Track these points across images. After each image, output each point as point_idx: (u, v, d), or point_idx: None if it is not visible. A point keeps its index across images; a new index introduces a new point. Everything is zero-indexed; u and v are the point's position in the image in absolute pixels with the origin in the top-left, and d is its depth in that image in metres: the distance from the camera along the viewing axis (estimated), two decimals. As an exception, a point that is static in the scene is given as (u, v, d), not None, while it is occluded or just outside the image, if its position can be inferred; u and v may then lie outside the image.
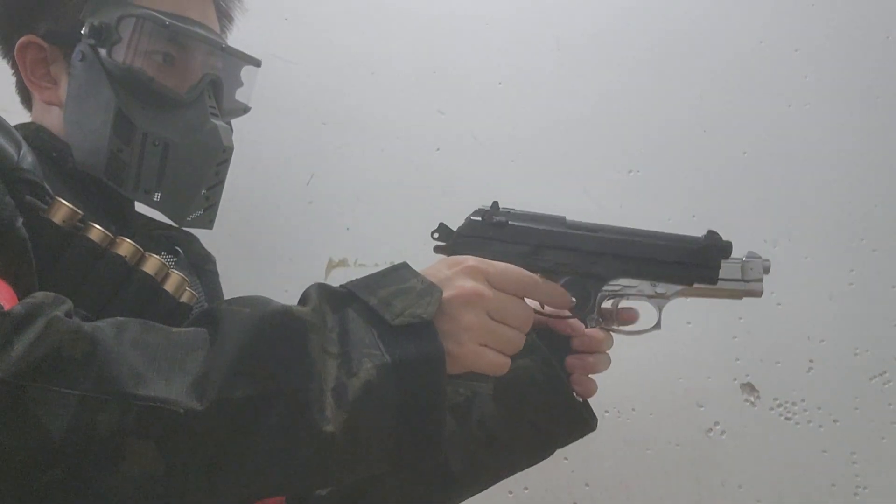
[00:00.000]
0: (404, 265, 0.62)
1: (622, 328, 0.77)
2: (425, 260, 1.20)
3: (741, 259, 0.76)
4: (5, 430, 0.44)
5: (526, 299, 0.66)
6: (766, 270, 0.76)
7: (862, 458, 1.16)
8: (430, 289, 0.58)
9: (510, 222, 0.71)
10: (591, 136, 1.26)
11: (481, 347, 0.60)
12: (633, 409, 1.19)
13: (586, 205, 1.24)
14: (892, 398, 1.18)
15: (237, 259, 1.22)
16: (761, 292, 0.75)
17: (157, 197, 0.75)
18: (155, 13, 0.74)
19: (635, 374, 1.18)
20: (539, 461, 0.81)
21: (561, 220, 0.73)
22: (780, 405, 1.19)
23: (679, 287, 0.74)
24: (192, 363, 0.50)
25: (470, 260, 0.63)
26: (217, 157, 0.78)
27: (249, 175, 1.24)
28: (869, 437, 1.17)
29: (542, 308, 0.74)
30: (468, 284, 0.60)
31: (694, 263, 0.73)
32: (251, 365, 0.51)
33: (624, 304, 0.77)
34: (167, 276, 0.69)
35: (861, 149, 1.23)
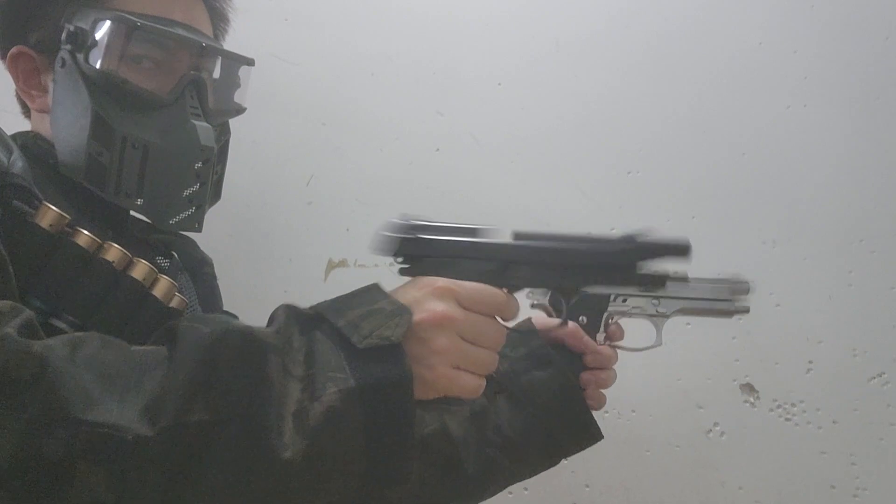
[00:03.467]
0: (375, 286, 0.60)
1: (626, 346, 0.83)
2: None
3: (727, 280, 0.82)
4: None
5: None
6: (747, 291, 0.82)
7: (861, 459, 1.17)
8: (399, 310, 0.57)
9: (428, 237, 0.68)
10: (591, 137, 1.26)
11: (454, 371, 0.58)
12: (633, 411, 1.19)
13: (585, 205, 1.24)
14: (892, 399, 1.18)
15: (237, 260, 1.22)
16: (748, 309, 0.82)
17: (139, 201, 0.74)
18: (127, 15, 0.73)
19: (635, 375, 1.18)
20: (548, 468, 0.83)
21: (478, 231, 0.70)
22: (779, 406, 1.19)
23: (677, 307, 0.81)
24: (148, 384, 0.49)
25: (439, 281, 0.60)
26: (195, 157, 0.77)
27: (249, 175, 1.24)
28: (868, 438, 1.17)
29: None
30: (439, 307, 0.58)
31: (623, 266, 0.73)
32: (206, 387, 0.49)
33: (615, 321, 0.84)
34: (156, 281, 0.68)
35: (860, 150, 1.23)
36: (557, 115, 1.26)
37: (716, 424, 1.19)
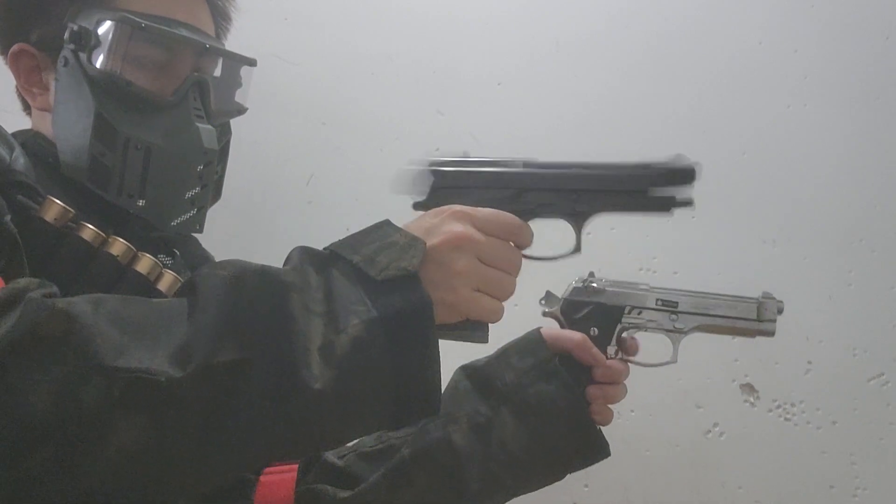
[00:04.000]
0: (387, 222, 0.61)
1: (639, 360, 0.80)
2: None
3: (757, 299, 0.78)
4: None
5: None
6: (780, 311, 0.78)
7: (861, 458, 1.17)
8: (413, 241, 0.57)
9: (441, 169, 0.71)
10: (590, 137, 1.26)
11: (475, 293, 0.59)
12: (632, 411, 1.19)
13: (586, 205, 1.24)
14: (891, 399, 1.18)
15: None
16: (773, 332, 0.78)
17: (141, 202, 0.74)
18: (132, 16, 0.73)
19: (635, 374, 1.18)
20: (552, 483, 0.81)
21: (489, 161, 0.73)
22: (779, 406, 1.19)
23: (695, 323, 0.78)
24: (173, 332, 0.50)
25: (455, 206, 0.62)
26: (198, 159, 0.77)
27: (249, 175, 1.23)
28: (868, 438, 1.17)
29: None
30: (456, 229, 0.59)
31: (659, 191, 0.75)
32: (231, 328, 0.50)
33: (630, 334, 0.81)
34: (160, 275, 0.68)
35: (860, 149, 1.23)
36: (557, 115, 1.26)
37: (716, 424, 1.19)
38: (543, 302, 0.80)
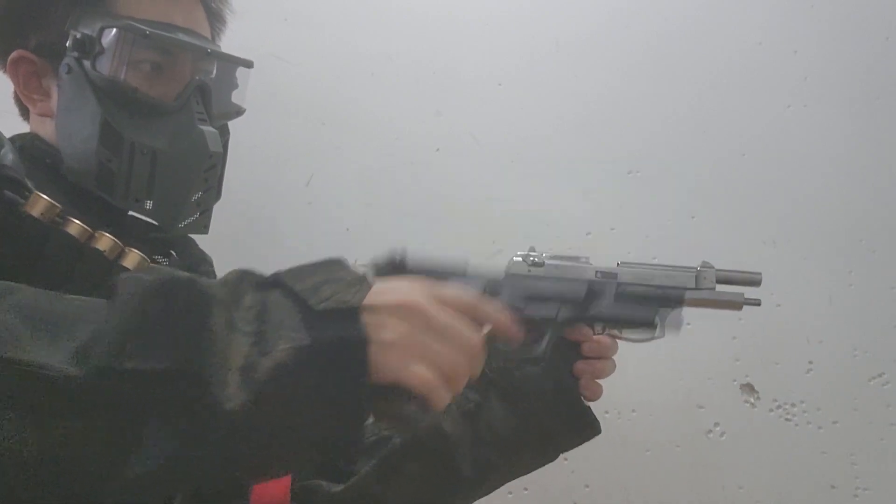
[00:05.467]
0: (337, 259, 0.58)
1: (627, 335, 0.78)
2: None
3: (695, 268, 0.78)
4: None
5: None
6: (758, 283, 0.77)
7: (861, 458, 1.17)
8: (359, 281, 0.55)
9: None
10: (590, 137, 1.26)
11: (409, 358, 0.53)
12: (633, 411, 1.19)
13: (585, 205, 1.24)
14: (891, 399, 1.18)
15: (236, 260, 1.21)
16: (759, 301, 0.78)
17: (148, 205, 0.75)
18: (136, 23, 0.74)
19: (635, 375, 1.18)
20: (545, 464, 0.81)
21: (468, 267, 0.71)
22: (779, 406, 1.19)
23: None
24: (82, 329, 0.48)
25: (412, 278, 0.59)
26: (204, 162, 0.78)
27: (249, 175, 1.23)
28: (868, 438, 1.17)
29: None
30: (410, 295, 0.55)
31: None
32: (140, 334, 0.48)
33: None
34: None
35: (860, 150, 1.23)
36: (557, 115, 1.26)
37: (716, 424, 1.19)
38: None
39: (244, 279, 0.54)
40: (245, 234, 1.22)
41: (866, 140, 1.24)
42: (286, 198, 1.24)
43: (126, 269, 0.67)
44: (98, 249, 0.66)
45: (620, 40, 1.27)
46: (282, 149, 1.25)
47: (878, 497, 1.16)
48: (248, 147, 1.24)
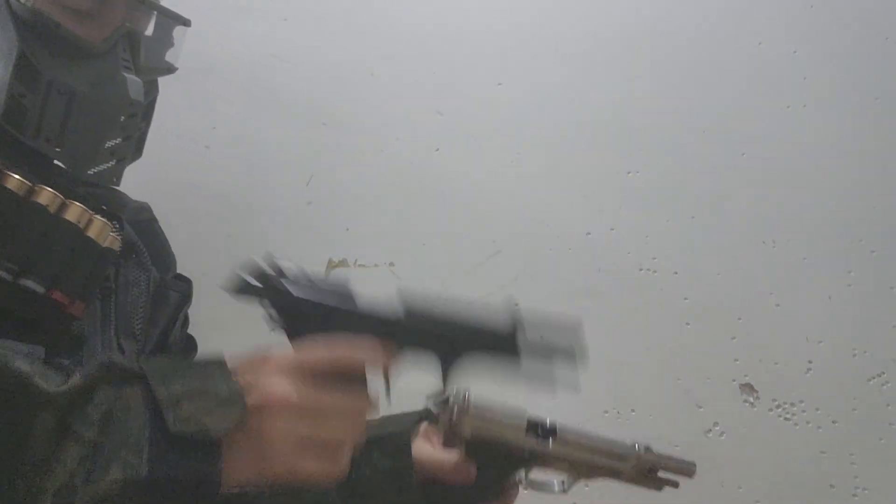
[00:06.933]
0: (219, 362, 0.51)
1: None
2: (425, 261, 1.21)
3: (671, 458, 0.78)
4: None
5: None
6: (692, 474, 0.77)
7: (861, 458, 1.17)
8: (234, 398, 0.48)
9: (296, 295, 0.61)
10: (590, 137, 1.26)
11: (296, 460, 0.50)
12: (633, 410, 1.19)
13: (585, 205, 1.24)
14: (891, 399, 1.18)
15: (237, 260, 1.22)
16: (678, 484, 0.78)
17: (58, 148, 0.72)
18: None
19: (635, 374, 1.18)
20: None
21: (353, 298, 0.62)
22: (779, 406, 1.19)
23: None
24: None
25: (278, 356, 0.53)
26: (122, 110, 0.75)
27: (249, 175, 1.24)
28: (868, 438, 1.17)
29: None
30: (275, 389, 0.50)
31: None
32: None
33: None
34: (90, 221, 0.68)
35: (859, 150, 1.23)
36: (557, 116, 1.26)
37: (716, 424, 1.19)
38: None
39: (104, 367, 0.48)
40: (245, 234, 1.22)
41: (866, 140, 1.24)
42: (286, 198, 1.24)
43: (69, 223, 0.65)
44: (40, 203, 0.64)
45: (620, 41, 1.27)
46: (282, 149, 1.25)
47: (877, 497, 1.16)
48: (248, 147, 1.24)
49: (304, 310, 0.59)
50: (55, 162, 0.75)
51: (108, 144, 0.75)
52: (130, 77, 0.75)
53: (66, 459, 0.44)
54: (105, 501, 0.44)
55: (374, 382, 0.58)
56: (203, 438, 0.46)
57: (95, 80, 0.73)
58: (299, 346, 0.55)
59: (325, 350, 0.55)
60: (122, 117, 0.75)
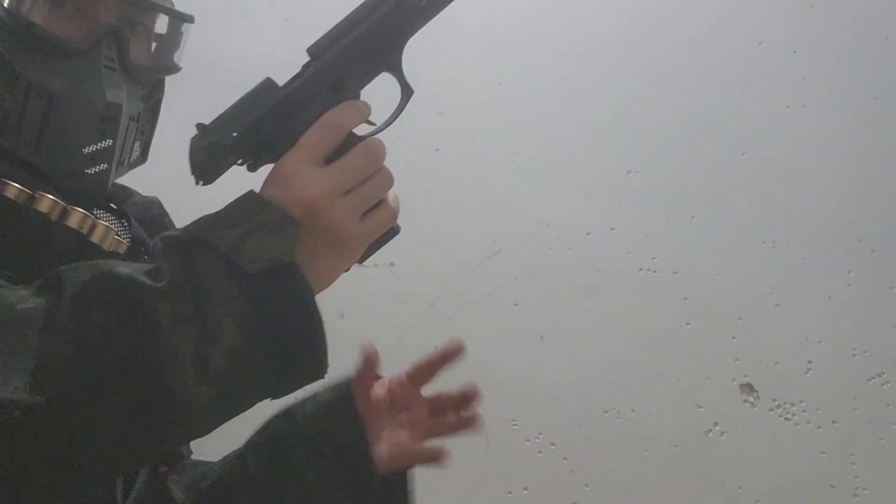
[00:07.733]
0: (252, 197, 0.55)
1: None
2: (424, 261, 1.20)
3: None
4: None
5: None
6: None
7: (861, 458, 1.17)
8: (283, 222, 0.51)
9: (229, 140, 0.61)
10: (590, 137, 1.26)
11: (364, 224, 0.55)
12: (633, 410, 1.19)
13: (585, 205, 1.24)
14: (891, 399, 1.18)
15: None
16: None
17: (37, 153, 0.69)
18: None
19: (635, 374, 1.18)
20: None
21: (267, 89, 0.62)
22: (779, 406, 1.19)
23: None
24: (27, 350, 0.46)
25: (283, 162, 0.56)
26: (98, 112, 0.70)
27: (249, 175, 1.23)
28: (868, 437, 1.17)
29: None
30: (307, 187, 0.53)
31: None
32: (86, 345, 0.46)
33: None
34: (93, 226, 0.67)
35: (859, 150, 1.24)
36: (557, 116, 1.26)
37: (716, 424, 1.19)
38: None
39: (168, 250, 0.50)
40: (245, 233, 1.22)
41: (866, 140, 1.24)
42: (286, 198, 1.24)
43: (71, 229, 0.65)
44: (40, 212, 0.64)
45: (620, 42, 1.27)
46: (282, 149, 1.25)
47: (877, 497, 1.16)
48: (248, 147, 1.24)
49: (263, 127, 0.60)
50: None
51: (88, 149, 0.71)
52: (110, 78, 0.71)
53: (188, 336, 0.47)
54: (235, 354, 0.47)
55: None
56: (278, 266, 0.49)
57: (73, 80, 0.70)
58: (296, 145, 0.57)
59: (317, 133, 0.57)
60: (99, 120, 0.71)
